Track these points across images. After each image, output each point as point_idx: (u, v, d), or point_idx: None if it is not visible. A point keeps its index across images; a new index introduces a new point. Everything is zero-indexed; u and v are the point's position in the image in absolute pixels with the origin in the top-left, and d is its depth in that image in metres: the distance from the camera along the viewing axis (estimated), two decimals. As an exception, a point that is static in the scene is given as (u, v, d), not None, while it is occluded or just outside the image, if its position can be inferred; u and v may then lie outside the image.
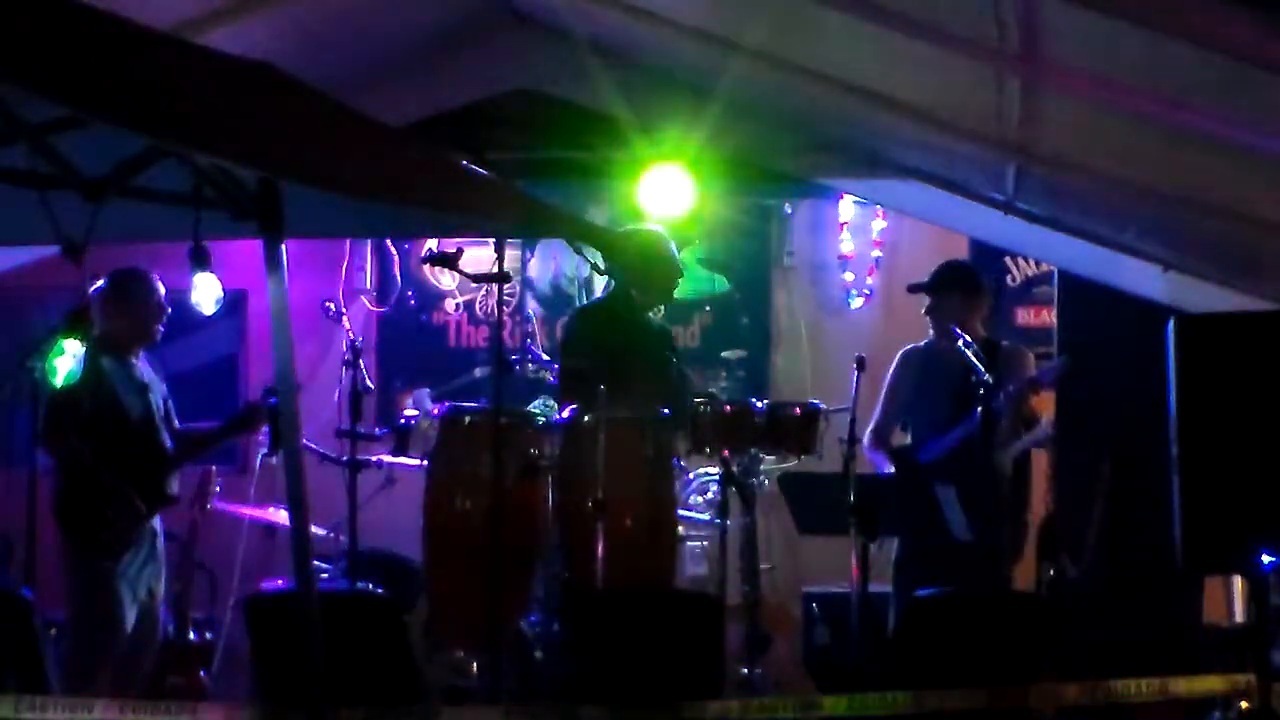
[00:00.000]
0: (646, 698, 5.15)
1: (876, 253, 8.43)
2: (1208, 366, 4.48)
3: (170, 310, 6.23)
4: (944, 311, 6.41)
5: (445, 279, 8.59)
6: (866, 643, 5.64)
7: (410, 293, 8.71)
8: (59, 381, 5.89)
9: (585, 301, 8.27)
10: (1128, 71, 4.09)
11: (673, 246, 6.69)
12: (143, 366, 6.27)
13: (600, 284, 7.91)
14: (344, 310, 7.08)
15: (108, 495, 5.97)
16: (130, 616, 6.01)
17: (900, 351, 6.67)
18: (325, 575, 6.66)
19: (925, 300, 6.51)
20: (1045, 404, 6.65)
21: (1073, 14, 3.76)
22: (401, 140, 4.52)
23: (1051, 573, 6.47)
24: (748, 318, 8.46)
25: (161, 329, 6.25)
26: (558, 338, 7.96)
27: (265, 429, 6.31)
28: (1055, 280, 7.41)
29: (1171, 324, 4.53)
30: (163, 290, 6.16)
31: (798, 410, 6.34)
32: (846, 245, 8.45)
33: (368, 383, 6.58)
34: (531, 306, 8.61)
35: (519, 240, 8.11)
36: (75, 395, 5.93)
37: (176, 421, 6.33)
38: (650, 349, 6.44)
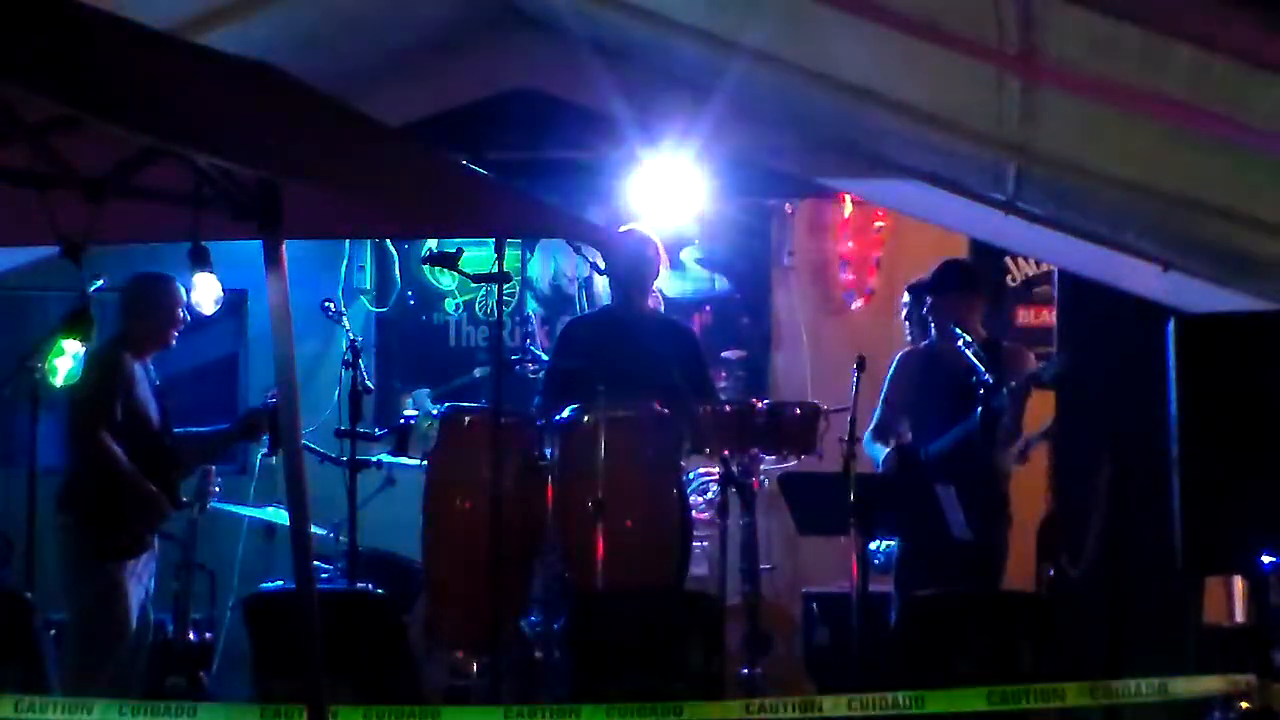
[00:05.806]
0: (647, 698, 5.15)
1: (877, 253, 8.43)
2: (1208, 366, 4.49)
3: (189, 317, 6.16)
4: (944, 311, 6.42)
5: (445, 279, 8.58)
6: (866, 643, 5.64)
7: (410, 293, 8.70)
8: (60, 381, 5.86)
9: (584, 304, 8.29)
10: (1128, 71, 4.08)
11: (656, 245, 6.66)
12: (151, 369, 6.26)
13: (601, 284, 7.91)
14: (344, 310, 7.09)
15: (133, 496, 5.94)
16: (135, 617, 6.01)
17: (898, 354, 6.66)
18: (325, 575, 6.66)
19: (925, 300, 6.52)
20: (1046, 404, 6.64)
21: (1073, 14, 3.75)
22: (401, 140, 4.51)
23: (1051, 573, 6.47)
24: (748, 318, 8.45)
25: (176, 336, 6.23)
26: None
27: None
28: (1055, 280, 7.40)
29: (1171, 324, 4.53)
30: (185, 298, 6.00)
31: (798, 410, 6.32)
32: (847, 245, 8.45)
33: (368, 383, 6.58)
34: (531, 306, 8.61)
35: (519, 240, 8.11)
36: (108, 394, 5.91)
37: None
38: (642, 350, 6.37)
